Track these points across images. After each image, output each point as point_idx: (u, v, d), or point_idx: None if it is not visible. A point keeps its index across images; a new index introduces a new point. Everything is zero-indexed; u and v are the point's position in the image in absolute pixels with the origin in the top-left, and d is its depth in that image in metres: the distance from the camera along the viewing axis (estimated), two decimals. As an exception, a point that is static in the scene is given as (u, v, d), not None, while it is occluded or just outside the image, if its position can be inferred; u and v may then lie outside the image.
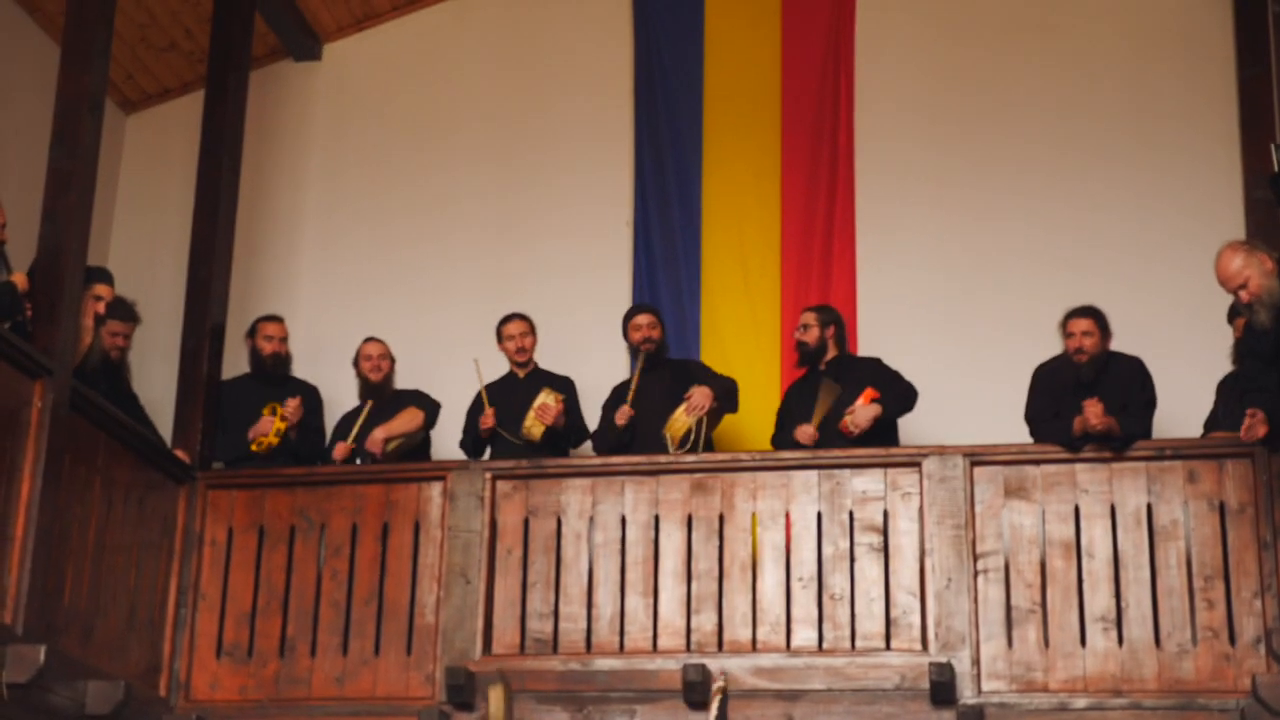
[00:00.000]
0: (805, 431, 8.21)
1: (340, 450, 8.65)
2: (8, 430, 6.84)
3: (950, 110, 9.83)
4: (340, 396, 9.29)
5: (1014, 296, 9.35)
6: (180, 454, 8.33)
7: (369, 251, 10.16)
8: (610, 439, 8.53)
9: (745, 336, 9.63)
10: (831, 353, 8.58)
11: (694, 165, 10.00)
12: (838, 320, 8.67)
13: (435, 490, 8.16)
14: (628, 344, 8.87)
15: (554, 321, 9.27)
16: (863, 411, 8.16)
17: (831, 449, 8.08)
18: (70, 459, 7.23)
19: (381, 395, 8.85)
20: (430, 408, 8.80)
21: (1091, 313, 7.96)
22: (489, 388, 8.75)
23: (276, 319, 9.05)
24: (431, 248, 10.10)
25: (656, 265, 9.84)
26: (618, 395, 8.73)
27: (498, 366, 8.92)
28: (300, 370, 9.15)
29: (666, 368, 8.77)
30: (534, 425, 8.46)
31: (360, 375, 8.92)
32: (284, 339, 8.94)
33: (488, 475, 8.13)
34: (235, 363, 9.04)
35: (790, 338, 9.48)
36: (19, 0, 9.32)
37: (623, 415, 8.46)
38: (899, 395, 8.31)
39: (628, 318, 8.88)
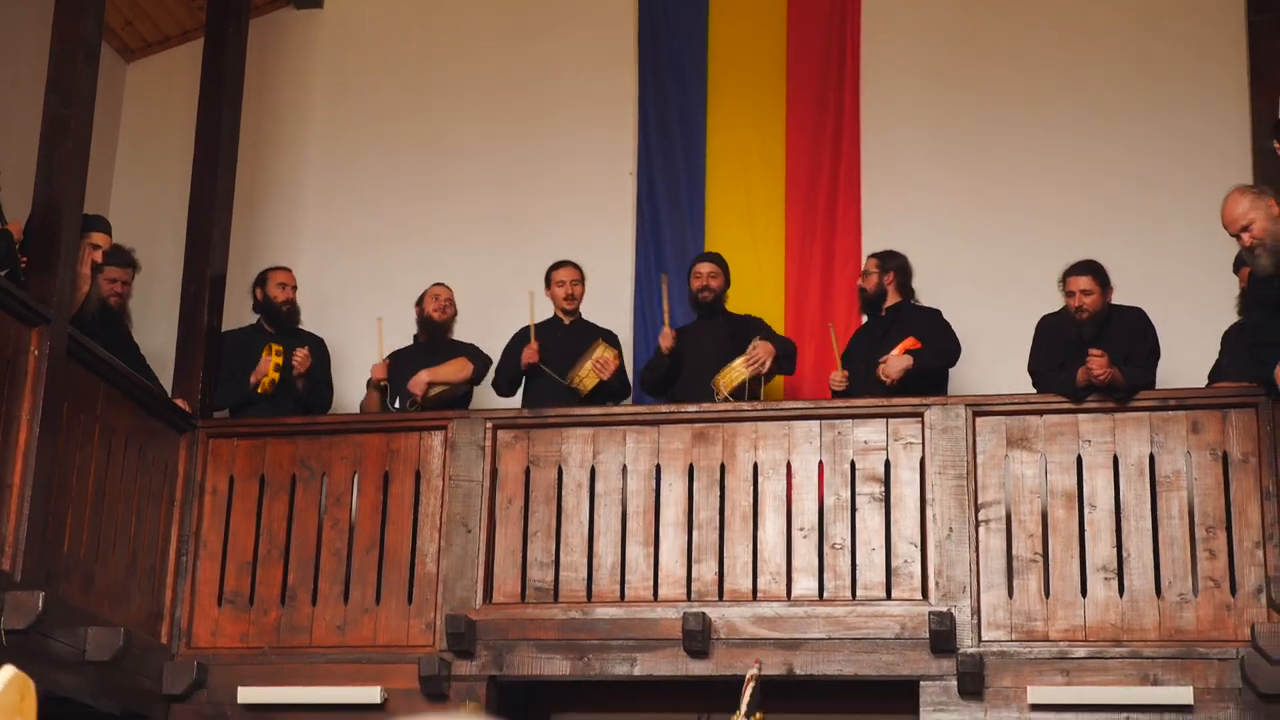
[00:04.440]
0: (834, 378, 8.34)
1: (377, 370, 8.69)
2: (5, 378, 6.83)
3: (956, 66, 9.76)
4: (345, 348, 9.29)
5: (1017, 249, 9.30)
6: (181, 403, 8.32)
7: (372, 204, 10.13)
8: (657, 368, 8.57)
9: (750, 290, 9.58)
10: (893, 299, 8.53)
11: (699, 119, 9.95)
12: (901, 267, 8.59)
13: (436, 439, 8.15)
14: (688, 291, 8.82)
15: (558, 273, 9.22)
16: (894, 362, 8.13)
17: (837, 399, 8.08)
18: (69, 407, 7.23)
19: (440, 339, 8.82)
20: (481, 363, 8.74)
21: (1090, 269, 7.88)
22: (528, 328, 8.76)
23: (285, 268, 9.06)
24: (435, 200, 10.06)
25: (661, 218, 9.81)
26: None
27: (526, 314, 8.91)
28: (304, 322, 9.13)
29: (724, 318, 8.75)
30: (589, 377, 8.43)
31: (423, 314, 8.87)
32: (295, 288, 8.92)
33: (489, 425, 8.11)
34: (236, 314, 9.02)
35: (794, 289, 9.50)
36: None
37: (667, 338, 8.47)
38: (938, 351, 8.26)
39: (691, 264, 8.87)
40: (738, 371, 8.30)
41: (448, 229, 9.99)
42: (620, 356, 8.60)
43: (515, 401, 8.82)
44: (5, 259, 7.02)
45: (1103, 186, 9.36)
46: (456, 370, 8.67)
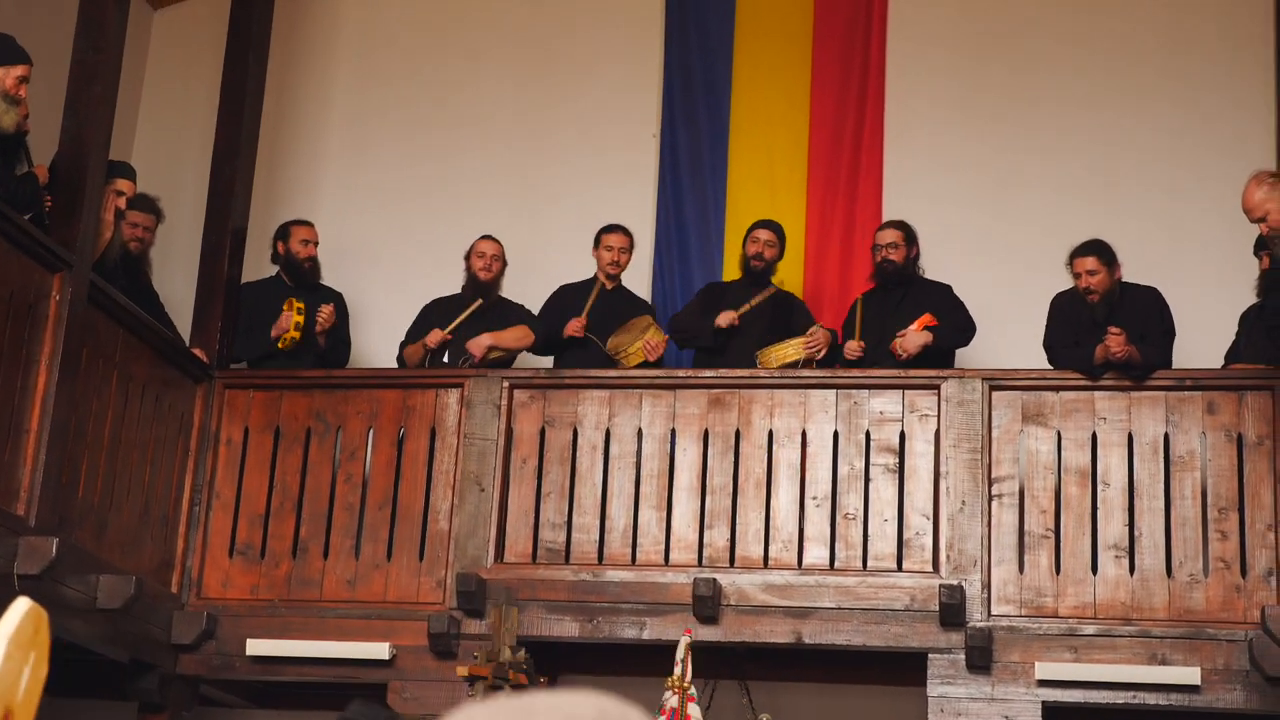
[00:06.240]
0: (850, 347, 8.22)
1: (435, 337, 8.53)
2: (26, 322, 6.84)
3: (981, 38, 9.74)
4: (363, 303, 9.28)
5: (1038, 223, 9.28)
6: (198, 353, 8.33)
7: (394, 159, 10.10)
8: (703, 337, 8.48)
9: (770, 254, 9.58)
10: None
11: (723, 82, 9.93)
12: (916, 240, 8.56)
13: (452, 397, 8.16)
14: (744, 256, 8.76)
15: (578, 233, 9.23)
16: (913, 338, 8.10)
17: (853, 369, 8.07)
18: (88, 353, 7.24)
19: (488, 296, 8.72)
20: (540, 331, 8.62)
21: (1094, 249, 7.80)
22: (571, 288, 8.73)
23: (308, 223, 8.98)
24: (457, 157, 10.05)
25: (683, 181, 9.80)
26: (715, 293, 8.71)
27: (577, 271, 8.92)
28: (323, 277, 9.11)
29: (768, 289, 8.70)
30: (636, 354, 8.34)
31: (469, 272, 8.78)
32: (316, 244, 8.89)
33: (505, 384, 8.12)
34: (255, 266, 9.02)
35: (814, 255, 9.48)
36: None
37: (726, 319, 8.38)
38: (956, 327, 8.23)
39: (751, 229, 8.79)
40: (793, 350, 8.23)
41: (469, 186, 9.98)
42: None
43: (529, 359, 8.83)
44: (31, 203, 7.02)
45: (1124, 164, 9.33)
46: (519, 338, 8.57)
